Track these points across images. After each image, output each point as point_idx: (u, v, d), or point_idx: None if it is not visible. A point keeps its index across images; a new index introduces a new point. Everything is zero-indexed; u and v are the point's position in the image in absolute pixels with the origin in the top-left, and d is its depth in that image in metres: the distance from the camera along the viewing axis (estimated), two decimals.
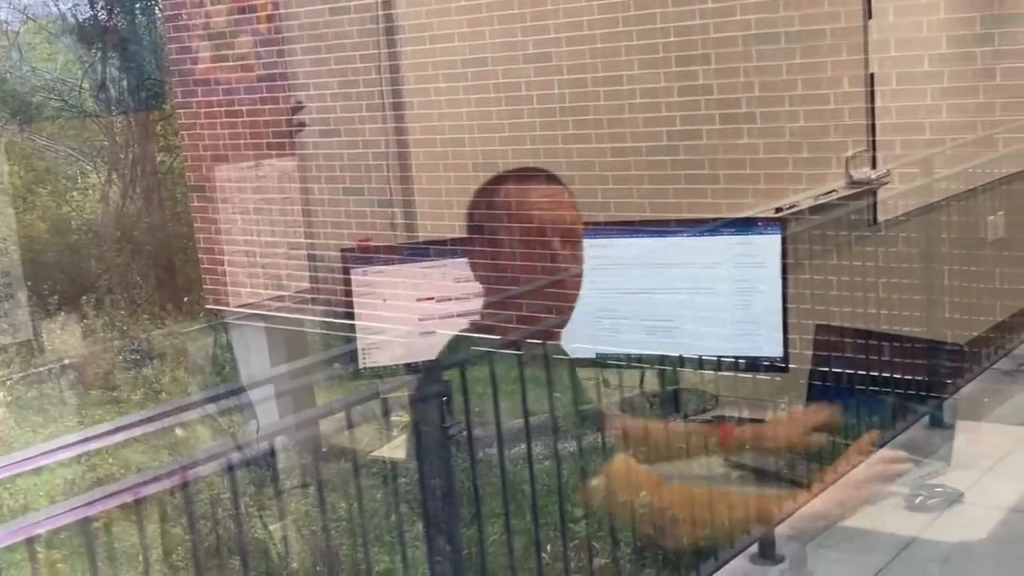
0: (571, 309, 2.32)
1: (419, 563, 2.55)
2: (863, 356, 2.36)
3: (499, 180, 2.35)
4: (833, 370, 2.84)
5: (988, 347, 3.78)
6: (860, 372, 2.99)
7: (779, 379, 2.62)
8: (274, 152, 3.83)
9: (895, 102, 3.80)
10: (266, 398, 2.68)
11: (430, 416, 2.21)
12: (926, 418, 2.70)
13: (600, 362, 2.52)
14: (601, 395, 2.43)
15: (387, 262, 2.64)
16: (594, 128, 4.01)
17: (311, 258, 3.54)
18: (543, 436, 2.37)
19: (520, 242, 2.25)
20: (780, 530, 2.87)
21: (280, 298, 3.39)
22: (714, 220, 2.58)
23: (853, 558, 2.63)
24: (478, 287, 2.33)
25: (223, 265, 3.56)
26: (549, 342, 2.40)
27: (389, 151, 3.99)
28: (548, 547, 2.45)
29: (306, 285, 3.39)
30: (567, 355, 2.45)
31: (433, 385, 2.19)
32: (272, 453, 2.23)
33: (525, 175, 2.40)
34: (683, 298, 2.51)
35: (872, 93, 3.75)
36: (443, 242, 2.66)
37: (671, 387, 2.69)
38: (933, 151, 3.74)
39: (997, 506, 2.17)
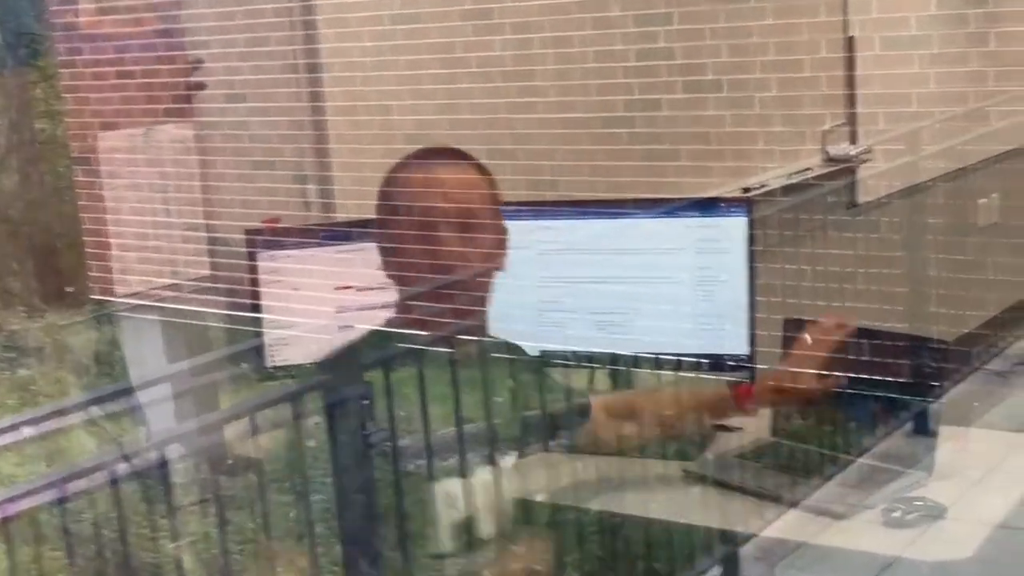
0: (482, 304, 2.35)
1: None
2: (839, 355, 2.38)
3: (402, 165, 2.39)
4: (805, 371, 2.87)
5: (978, 345, 3.85)
6: (835, 373, 3.02)
7: (745, 380, 2.64)
8: (172, 119, 3.78)
9: (878, 70, 3.85)
10: (161, 400, 2.65)
11: (348, 422, 2.20)
12: (908, 424, 2.73)
13: (544, 361, 2.52)
14: (545, 399, 2.43)
15: (300, 246, 2.62)
16: (541, 95, 4.01)
17: (213, 241, 3.51)
18: (480, 446, 2.37)
19: (427, 231, 2.28)
20: (746, 551, 2.91)
21: (177, 287, 3.35)
22: (673, 200, 2.59)
23: None
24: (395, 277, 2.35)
25: (111, 249, 3.51)
26: (484, 338, 2.41)
27: (305, 120, 3.96)
28: (486, 574, 2.46)
29: (207, 272, 3.36)
30: (509, 353, 2.45)
31: (352, 387, 2.18)
32: (165, 463, 2.21)
33: (430, 156, 2.42)
34: (638, 288, 2.52)
35: (852, 59, 3.79)
36: (366, 223, 2.64)
37: (625, 389, 2.70)
38: (919, 125, 3.79)
39: (983, 522, 2.21)
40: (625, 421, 2.46)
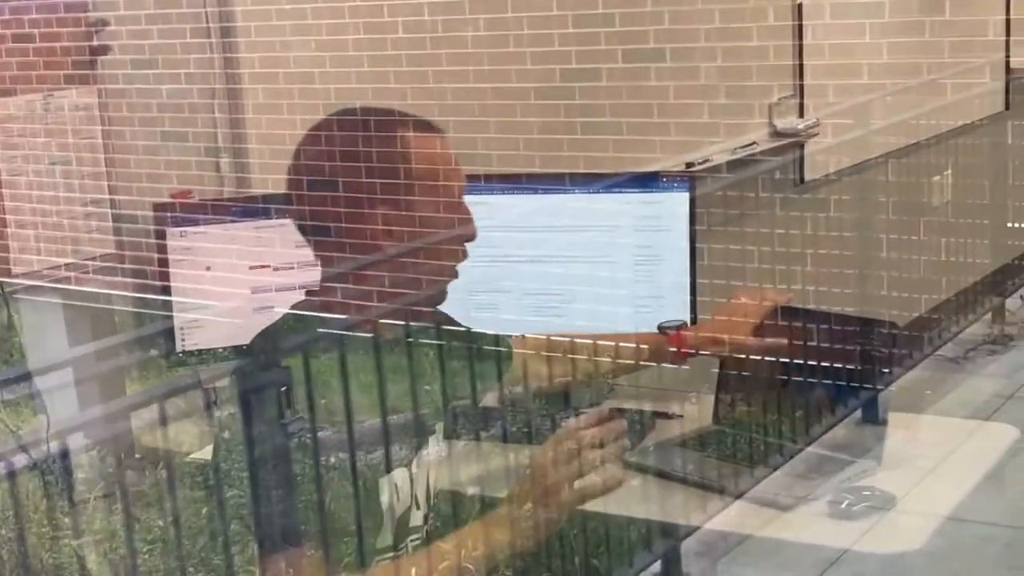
0: (443, 283, 2.31)
1: None
2: (784, 340, 2.40)
3: (326, 123, 2.32)
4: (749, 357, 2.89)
5: (931, 330, 3.91)
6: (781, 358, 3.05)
7: (687, 366, 2.66)
8: (74, 86, 3.72)
9: (827, 39, 3.88)
10: (63, 386, 2.62)
11: (265, 411, 2.18)
12: (857, 412, 2.77)
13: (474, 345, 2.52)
14: (476, 385, 2.43)
15: (213, 222, 2.59)
16: (473, 64, 4.00)
17: (119, 217, 3.46)
18: (406, 437, 2.36)
19: (373, 197, 2.24)
20: (687, 545, 2.94)
21: (80, 266, 3.30)
22: (612, 175, 2.60)
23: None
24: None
25: (7, 226, 3.45)
26: (416, 322, 2.39)
27: (218, 87, 3.91)
28: (414, 570, 2.45)
29: (112, 250, 3.32)
30: (438, 337, 2.44)
31: (268, 372, 2.16)
32: (66, 455, 2.18)
33: (357, 115, 2.37)
34: (575, 268, 2.52)
35: (800, 28, 3.82)
36: (285, 198, 2.62)
37: (560, 376, 2.70)
38: (870, 98, 3.83)
39: (934, 513, 2.25)
40: (549, 360, 2.43)
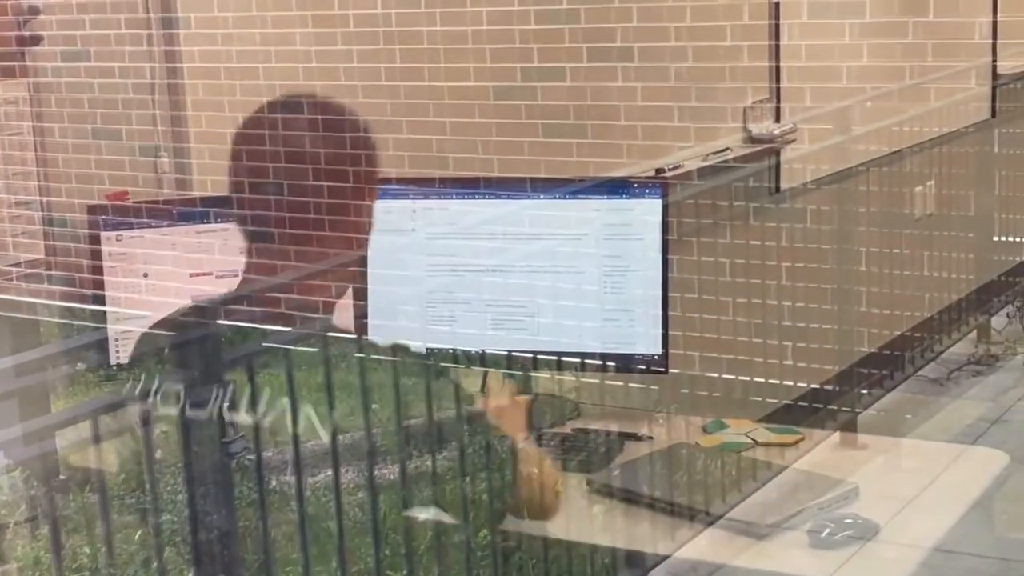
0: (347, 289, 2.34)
1: None
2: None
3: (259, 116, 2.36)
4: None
5: (912, 349, 3.94)
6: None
7: (655, 389, 2.67)
8: (1, 79, 3.69)
9: (805, 39, 3.91)
10: None
11: (205, 429, 2.17)
12: (835, 436, 2.79)
13: (427, 361, 2.51)
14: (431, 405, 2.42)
15: (150, 225, 2.58)
16: (428, 61, 4.00)
17: (48, 220, 3.43)
18: (355, 460, 2.36)
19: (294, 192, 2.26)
20: (655, 575, 2.94)
21: (3, 272, 3.27)
22: (578, 180, 2.60)
23: None
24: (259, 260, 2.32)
25: None
26: (357, 335, 2.40)
27: (156, 82, 3.89)
28: None
29: (39, 255, 3.28)
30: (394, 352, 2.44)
31: (210, 388, 2.15)
32: None
33: (291, 103, 2.40)
34: (539, 279, 2.52)
35: (777, 27, 3.84)
36: (227, 200, 2.61)
37: (522, 395, 2.70)
38: (850, 102, 3.86)
39: (918, 544, 2.26)
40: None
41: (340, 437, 2.29)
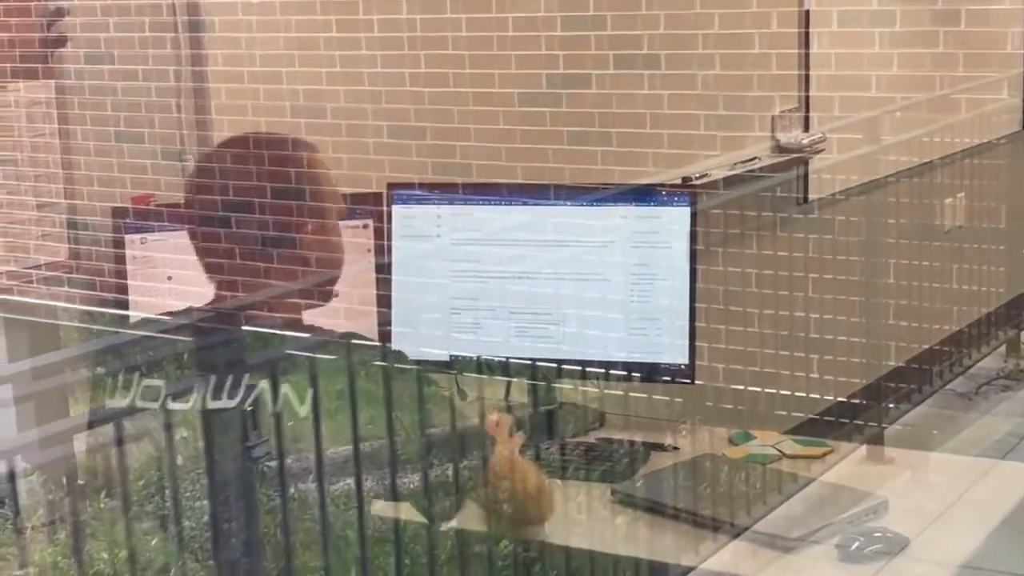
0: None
1: None
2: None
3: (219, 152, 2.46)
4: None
5: (940, 363, 3.94)
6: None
7: (679, 400, 2.67)
8: (21, 80, 3.71)
9: (835, 48, 3.91)
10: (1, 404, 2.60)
11: (228, 433, 2.18)
12: (862, 450, 2.78)
13: (448, 369, 2.52)
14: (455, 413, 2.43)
15: (174, 228, 2.59)
16: (452, 66, 4.00)
17: (71, 223, 3.45)
18: (377, 468, 2.36)
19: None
20: None
21: (24, 274, 3.29)
22: (607, 187, 2.61)
23: None
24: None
25: None
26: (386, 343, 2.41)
27: (181, 86, 3.90)
28: None
29: (61, 258, 3.30)
30: (408, 360, 2.45)
31: (233, 391, 2.16)
32: (11, 477, 2.16)
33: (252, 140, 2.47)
34: (564, 286, 2.53)
35: (807, 35, 3.84)
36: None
37: (544, 405, 2.70)
38: (879, 112, 3.85)
39: (946, 561, 2.25)
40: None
41: (361, 445, 2.30)
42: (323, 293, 2.40)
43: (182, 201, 2.44)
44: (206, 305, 2.38)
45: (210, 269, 2.39)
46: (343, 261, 2.44)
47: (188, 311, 2.38)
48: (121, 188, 3.44)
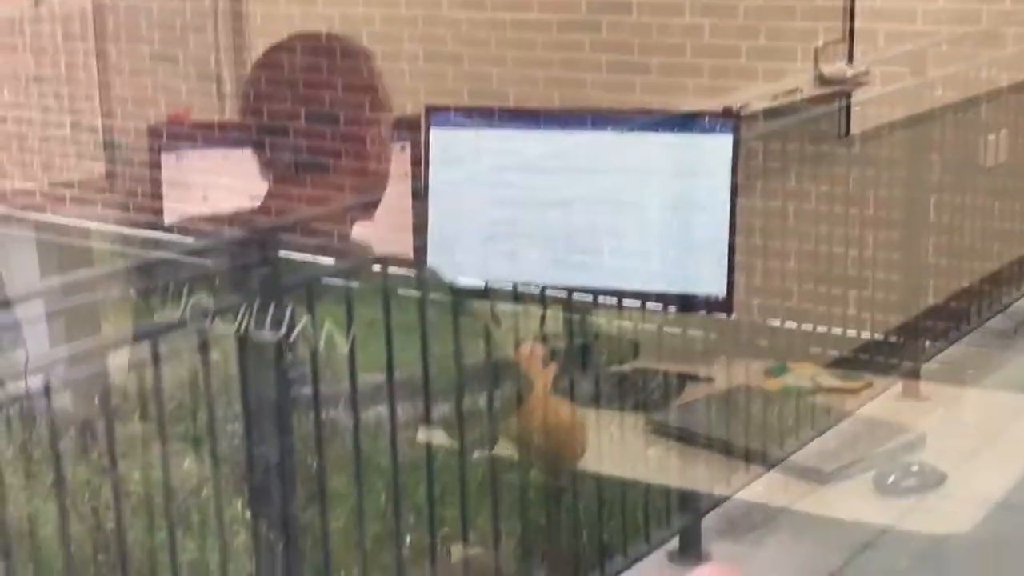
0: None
1: (238, 554, 2.54)
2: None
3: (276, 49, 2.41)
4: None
5: (979, 301, 3.92)
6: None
7: (714, 334, 2.66)
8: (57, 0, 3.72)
9: None
10: (31, 323, 2.62)
11: (264, 356, 2.19)
12: (897, 386, 2.78)
13: (484, 296, 2.52)
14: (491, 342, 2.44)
15: (209, 144, 2.59)
16: None
17: (104, 143, 3.46)
18: (411, 397, 2.37)
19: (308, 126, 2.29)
20: (707, 521, 2.95)
21: (57, 192, 3.31)
22: (648, 113, 2.59)
23: (800, 557, 2.71)
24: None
25: None
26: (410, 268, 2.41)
27: (217, 7, 3.90)
28: (409, 537, 2.47)
29: (96, 176, 3.31)
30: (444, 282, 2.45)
31: (271, 314, 2.17)
32: (47, 392, 2.18)
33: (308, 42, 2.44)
34: (603, 214, 2.52)
35: None
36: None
37: (580, 335, 2.70)
38: (925, 45, 3.81)
39: (982, 497, 2.25)
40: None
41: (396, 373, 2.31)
42: (371, 206, 2.40)
43: (240, 106, 2.39)
44: (257, 214, 2.37)
45: (269, 178, 2.37)
46: (390, 175, 2.43)
47: (233, 220, 2.36)
48: (154, 109, 3.45)
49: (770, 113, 3.64)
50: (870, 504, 2.11)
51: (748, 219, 3.12)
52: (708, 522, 2.85)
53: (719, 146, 2.45)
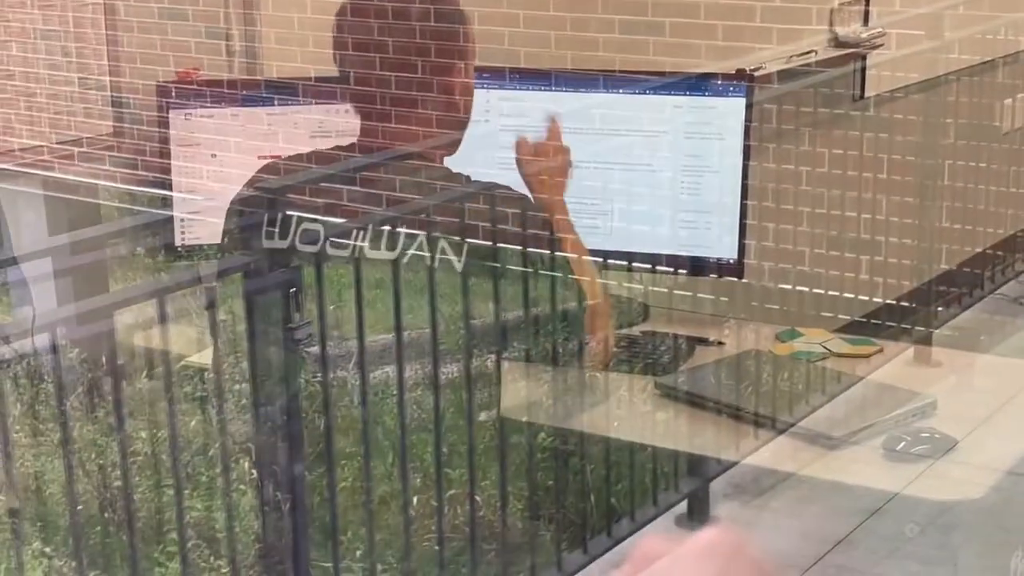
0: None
1: (244, 513, 2.55)
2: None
3: None
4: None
5: (992, 267, 3.91)
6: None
7: (724, 298, 2.66)
8: None
9: None
10: (38, 280, 2.62)
11: (270, 313, 2.19)
12: (909, 352, 2.78)
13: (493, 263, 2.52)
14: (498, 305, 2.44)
15: (218, 102, 2.59)
16: None
17: (111, 100, 3.45)
18: (421, 355, 2.38)
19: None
20: (716, 486, 2.96)
21: (66, 150, 3.30)
22: (660, 74, 2.59)
23: (809, 522, 2.72)
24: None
25: None
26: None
27: None
28: (416, 498, 2.48)
29: (104, 134, 3.31)
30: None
31: (277, 272, 2.17)
32: (46, 353, 2.18)
33: None
34: (614, 175, 2.52)
35: None
36: (293, 86, 2.62)
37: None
38: (942, 6, 3.79)
39: (991, 466, 2.26)
40: None
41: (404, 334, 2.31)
42: (456, 143, 2.42)
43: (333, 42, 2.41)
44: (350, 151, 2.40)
45: (362, 113, 2.40)
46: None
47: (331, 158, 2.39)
48: (164, 67, 3.44)
49: (784, 75, 3.63)
50: (880, 470, 2.12)
51: (760, 182, 3.12)
52: (716, 486, 2.86)
53: (732, 108, 2.45)
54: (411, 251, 2.19)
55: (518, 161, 2.38)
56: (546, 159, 2.37)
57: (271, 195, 2.23)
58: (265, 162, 2.44)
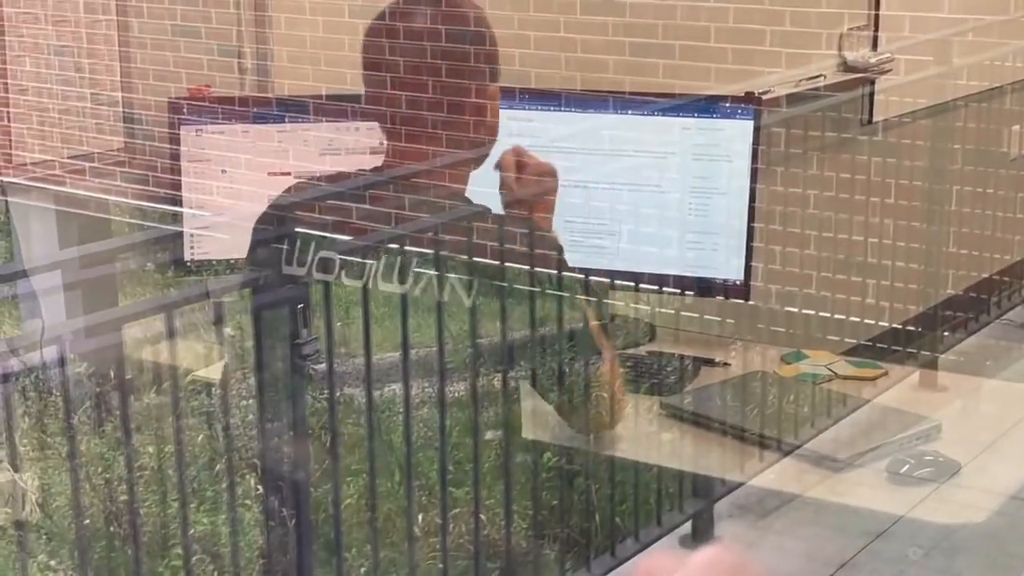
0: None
1: (249, 528, 2.55)
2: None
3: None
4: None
5: (999, 293, 3.91)
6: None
7: (731, 319, 2.66)
8: None
9: None
10: (48, 293, 2.62)
11: (278, 329, 2.20)
12: (914, 376, 2.78)
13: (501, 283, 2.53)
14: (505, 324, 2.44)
15: (229, 119, 2.60)
16: None
17: (123, 116, 3.47)
18: (425, 375, 2.38)
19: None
20: (720, 507, 2.96)
21: (78, 165, 3.32)
22: (669, 96, 2.59)
23: (813, 544, 2.72)
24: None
25: (4, 120, 3.47)
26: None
27: None
28: (421, 516, 2.47)
29: (115, 149, 3.33)
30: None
31: (285, 288, 2.18)
32: (46, 367, 2.18)
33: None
34: (621, 197, 2.52)
35: None
36: (304, 104, 2.63)
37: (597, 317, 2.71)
38: (950, 33, 3.80)
39: (995, 490, 2.25)
40: None
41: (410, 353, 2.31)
42: (482, 159, 2.42)
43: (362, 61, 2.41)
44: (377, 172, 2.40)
45: (389, 133, 2.40)
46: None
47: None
48: (176, 84, 3.45)
49: (792, 99, 3.63)
50: (884, 492, 2.12)
51: (768, 205, 3.12)
52: (721, 507, 2.86)
53: (740, 131, 2.45)
54: (420, 286, 2.19)
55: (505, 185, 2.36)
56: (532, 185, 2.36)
57: (299, 214, 2.23)
58: (292, 182, 2.45)
